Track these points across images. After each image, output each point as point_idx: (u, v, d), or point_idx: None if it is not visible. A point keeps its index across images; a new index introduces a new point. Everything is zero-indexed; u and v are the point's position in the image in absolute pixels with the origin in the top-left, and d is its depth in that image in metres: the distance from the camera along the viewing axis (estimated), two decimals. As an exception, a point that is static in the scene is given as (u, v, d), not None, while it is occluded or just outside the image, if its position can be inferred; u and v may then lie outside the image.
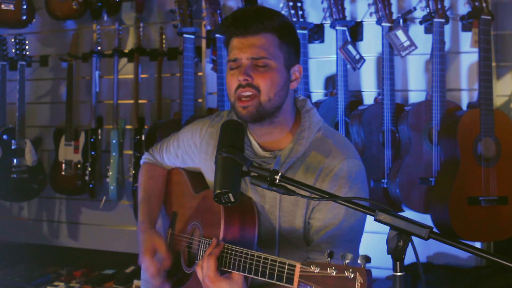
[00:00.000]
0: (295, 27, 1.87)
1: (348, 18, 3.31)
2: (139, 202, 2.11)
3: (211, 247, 1.67)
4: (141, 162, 2.23)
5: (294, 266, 1.44)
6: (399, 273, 1.33)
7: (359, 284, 1.31)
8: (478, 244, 3.11)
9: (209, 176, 1.96)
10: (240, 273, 1.60)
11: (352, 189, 1.74)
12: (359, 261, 1.32)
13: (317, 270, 1.37)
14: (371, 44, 3.40)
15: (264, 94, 1.72)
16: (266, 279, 1.53)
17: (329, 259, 1.36)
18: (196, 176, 2.03)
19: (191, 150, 2.02)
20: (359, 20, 3.43)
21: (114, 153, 3.89)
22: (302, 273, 1.40)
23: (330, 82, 3.52)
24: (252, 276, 1.57)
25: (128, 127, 4.01)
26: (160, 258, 1.93)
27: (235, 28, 1.74)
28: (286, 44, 1.77)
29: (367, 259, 1.32)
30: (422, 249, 3.33)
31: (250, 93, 1.71)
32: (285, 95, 1.78)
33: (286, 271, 1.47)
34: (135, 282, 3.75)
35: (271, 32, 1.74)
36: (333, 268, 1.34)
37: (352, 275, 1.31)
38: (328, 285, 1.34)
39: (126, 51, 4.01)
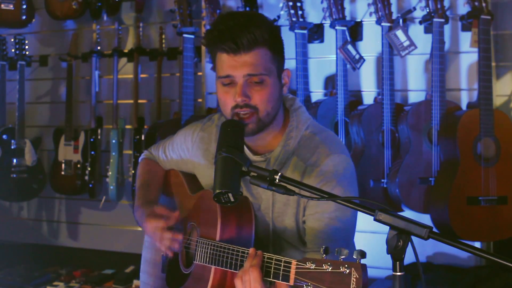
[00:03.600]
0: (280, 30, 1.80)
1: (347, 18, 3.31)
2: (136, 189, 2.11)
3: (250, 258, 1.57)
4: (140, 158, 2.25)
5: (290, 263, 1.44)
6: (398, 273, 1.33)
7: (354, 279, 1.31)
8: (477, 244, 3.11)
9: (202, 179, 1.98)
10: (284, 282, 1.50)
11: (340, 183, 1.75)
12: (354, 256, 1.32)
13: (313, 266, 1.37)
14: (370, 44, 3.40)
15: (262, 111, 1.72)
16: (263, 277, 1.52)
17: (324, 255, 1.37)
18: (192, 177, 2.05)
19: (184, 154, 2.05)
20: (358, 20, 3.42)
21: (113, 153, 3.89)
22: (298, 269, 1.41)
23: (330, 82, 3.52)
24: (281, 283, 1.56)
25: (128, 127, 4.01)
26: (164, 218, 1.88)
27: (224, 45, 1.67)
28: (277, 55, 1.74)
29: (362, 254, 1.32)
30: (422, 249, 3.33)
31: (248, 111, 1.71)
32: (280, 104, 1.80)
33: (282, 268, 1.47)
34: (135, 282, 3.75)
35: (264, 46, 1.68)
36: (329, 264, 1.35)
37: (347, 270, 1.32)
38: (324, 281, 1.34)
39: (125, 51, 4.01)
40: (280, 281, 1.48)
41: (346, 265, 1.33)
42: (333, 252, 1.36)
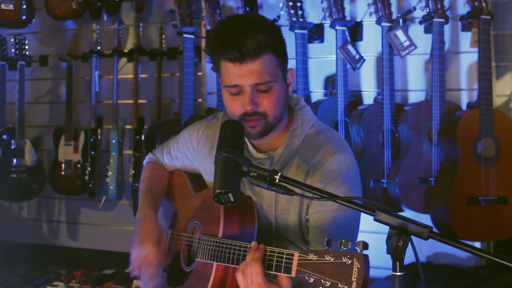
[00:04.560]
0: (280, 29, 1.78)
1: (347, 18, 3.31)
2: (141, 194, 2.10)
3: (252, 251, 1.56)
4: (145, 161, 2.25)
5: (292, 255, 1.44)
6: (398, 273, 1.33)
7: (356, 269, 1.31)
8: (477, 244, 3.11)
9: (208, 177, 1.98)
10: (287, 275, 1.50)
11: (344, 182, 1.75)
12: (356, 247, 1.33)
13: (315, 257, 1.37)
14: (370, 44, 3.40)
15: (270, 115, 1.73)
16: (265, 270, 1.52)
17: (327, 247, 1.37)
18: (196, 177, 2.05)
19: (189, 152, 2.04)
20: (358, 20, 3.43)
21: (113, 153, 3.89)
22: (301, 261, 1.40)
23: (329, 82, 3.52)
24: (284, 277, 1.56)
25: (128, 127, 4.01)
26: (162, 253, 1.91)
27: (229, 54, 1.66)
28: (282, 59, 1.74)
29: (365, 245, 1.32)
30: (422, 249, 3.33)
31: (257, 118, 1.72)
32: (286, 105, 1.81)
33: (284, 260, 1.47)
34: (135, 282, 3.75)
35: (268, 52, 1.67)
36: (331, 255, 1.35)
37: (349, 261, 1.32)
38: (326, 272, 1.34)
39: (125, 51, 4.01)
40: (282, 273, 1.48)
41: (348, 256, 1.32)
42: (336, 245, 1.36)
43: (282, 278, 1.52)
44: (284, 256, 1.47)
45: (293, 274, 1.43)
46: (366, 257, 1.32)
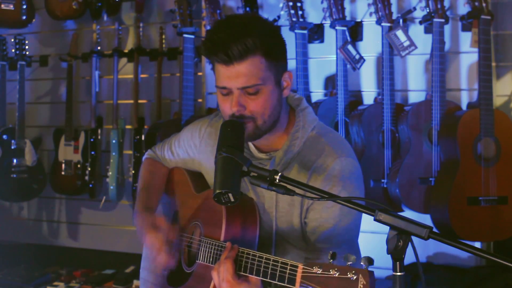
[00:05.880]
0: (279, 31, 1.76)
1: (348, 18, 3.31)
2: (138, 191, 2.11)
3: (227, 251, 1.64)
4: (143, 158, 2.24)
5: (297, 267, 1.43)
6: (399, 273, 1.33)
7: (361, 286, 1.30)
8: (478, 244, 3.11)
9: (209, 175, 1.97)
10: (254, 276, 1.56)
11: (346, 188, 1.74)
12: (361, 263, 1.32)
13: (320, 271, 1.36)
14: (371, 44, 3.40)
15: (259, 119, 1.71)
16: (268, 279, 1.52)
17: (331, 260, 1.36)
18: (197, 176, 2.04)
19: (191, 150, 2.03)
20: (359, 20, 3.42)
21: (114, 153, 3.89)
22: (305, 274, 1.40)
23: (330, 82, 3.52)
24: (253, 276, 1.58)
25: (128, 127, 4.01)
26: (164, 231, 1.88)
27: (217, 56, 1.66)
28: (274, 62, 1.70)
29: (370, 261, 1.31)
30: (422, 249, 3.33)
31: (245, 120, 1.71)
32: (280, 109, 1.78)
33: (288, 271, 1.46)
34: (135, 282, 3.75)
35: (257, 54, 1.65)
36: (336, 269, 1.34)
37: (354, 277, 1.31)
38: (331, 286, 1.34)
39: (126, 51, 4.01)
40: (285, 284, 1.48)
41: (353, 271, 1.31)
42: (340, 258, 1.35)
43: (251, 277, 1.58)
44: (288, 266, 1.47)
45: (297, 286, 1.42)
46: (371, 273, 1.31)
